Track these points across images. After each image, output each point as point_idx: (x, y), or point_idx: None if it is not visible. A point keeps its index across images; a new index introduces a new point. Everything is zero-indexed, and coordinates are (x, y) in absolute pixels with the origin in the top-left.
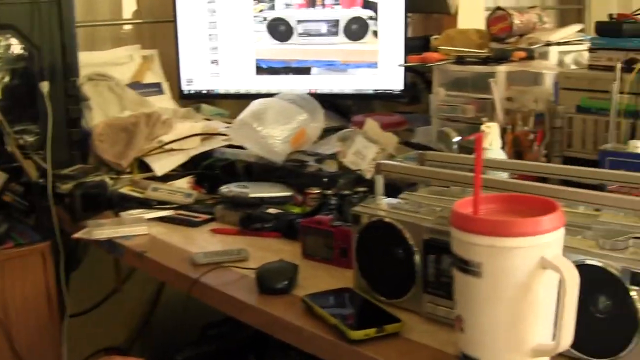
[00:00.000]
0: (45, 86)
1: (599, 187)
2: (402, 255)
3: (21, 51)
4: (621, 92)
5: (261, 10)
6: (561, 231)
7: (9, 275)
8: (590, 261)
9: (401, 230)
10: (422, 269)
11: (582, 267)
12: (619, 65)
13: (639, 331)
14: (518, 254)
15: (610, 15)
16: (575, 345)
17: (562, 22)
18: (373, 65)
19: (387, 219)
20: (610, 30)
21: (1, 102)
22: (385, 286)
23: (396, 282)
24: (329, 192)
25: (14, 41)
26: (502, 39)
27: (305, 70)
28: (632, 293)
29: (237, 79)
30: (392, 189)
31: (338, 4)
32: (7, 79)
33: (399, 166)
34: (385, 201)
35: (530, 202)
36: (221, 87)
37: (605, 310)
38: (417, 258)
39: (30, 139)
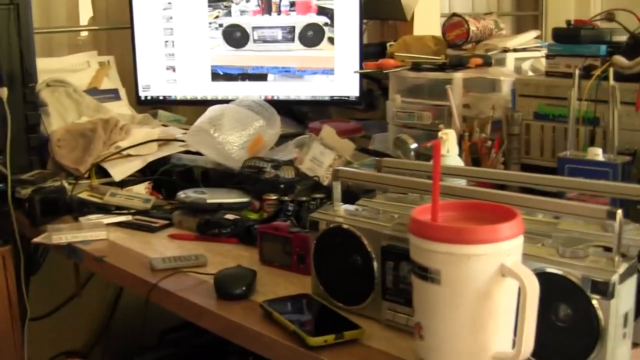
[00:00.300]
0: (3, 92)
1: (558, 195)
2: (360, 262)
3: None
4: (579, 99)
5: (217, 17)
6: (521, 239)
7: None
8: (551, 269)
9: (360, 236)
10: (380, 275)
11: (542, 275)
12: (577, 72)
13: (601, 340)
14: (477, 262)
15: (568, 22)
16: (535, 353)
17: (519, 28)
18: (329, 71)
19: (345, 226)
20: (568, 37)
21: None
22: (343, 293)
23: (355, 289)
24: (286, 198)
25: None
26: (458, 45)
27: (261, 77)
28: (594, 302)
29: (194, 85)
30: (349, 196)
31: (293, 11)
32: None
33: (357, 173)
34: (343, 207)
35: (489, 210)
36: (178, 93)
37: (566, 319)
38: (375, 265)
39: None
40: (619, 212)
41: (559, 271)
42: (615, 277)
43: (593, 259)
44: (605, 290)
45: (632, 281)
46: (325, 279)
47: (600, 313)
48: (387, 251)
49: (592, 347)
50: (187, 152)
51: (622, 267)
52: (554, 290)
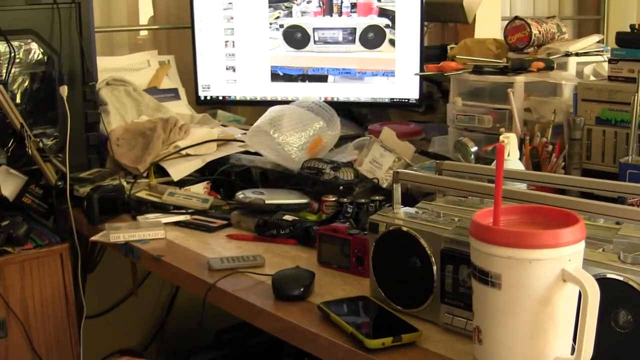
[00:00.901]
0: (64, 90)
1: (619, 201)
2: (419, 265)
3: (41, 56)
4: None
5: (277, 17)
6: (582, 244)
7: (27, 276)
8: (612, 275)
9: (419, 239)
10: (439, 279)
11: (603, 281)
12: None
13: None
14: (538, 266)
15: (632, 26)
16: (594, 359)
17: (580, 32)
18: (389, 73)
19: (405, 228)
20: (632, 41)
21: (21, 105)
22: (402, 295)
23: (413, 292)
24: (345, 200)
25: (34, 46)
26: (520, 49)
27: (321, 78)
28: None
29: (254, 85)
30: (408, 199)
31: (355, 12)
32: (27, 83)
33: (417, 175)
34: (402, 210)
35: (551, 214)
36: (238, 94)
37: (626, 325)
38: (435, 268)
39: (49, 142)
40: None
41: (620, 277)
42: None
43: None
44: None
45: None
46: (383, 281)
47: None
48: (447, 254)
49: None
50: (246, 152)
51: None
52: (615, 296)
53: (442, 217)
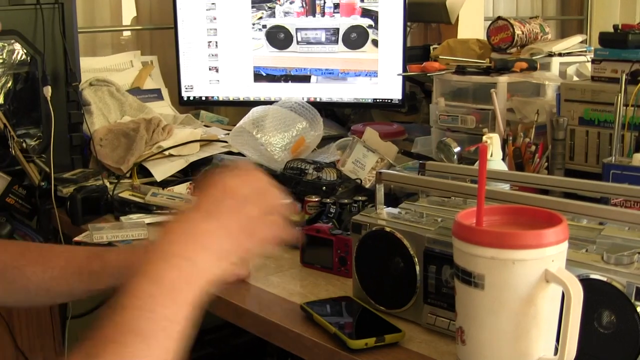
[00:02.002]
0: (47, 91)
1: (602, 201)
2: (402, 266)
3: (24, 56)
4: (625, 105)
5: (260, 18)
6: (565, 244)
7: None
8: (595, 275)
9: (402, 240)
10: (422, 279)
11: (586, 282)
12: (623, 77)
13: None
14: (521, 267)
15: (615, 26)
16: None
17: (564, 32)
18: (372, 74)
19: (388, 228)
20: (615, 41)
21: (4, 106)
22: (385, 296)
23: (396, 292)
24: (328, 200)
25: (17, 46)
26: (503, 49)
27: (304, 78)
28: (638, 309)
29: (237, 86)
30: (391, 199)
31: (337, 13)
32: (10, 83)
33: (400, 176)
34: (385, 210)
35: (534, 215)
36: (221, 94)
37: (610, 326)
38: (417, 268)
39: (32, 142)
40: None
41: (603, 277)
42: None
43: (638, 265)
44: None
45: None
46: (366, 281)
47: None
48: (430, 255)
49: (634, 354)
50: (229, 152)
51: None
52: (598, 296)
53: (425, 218)
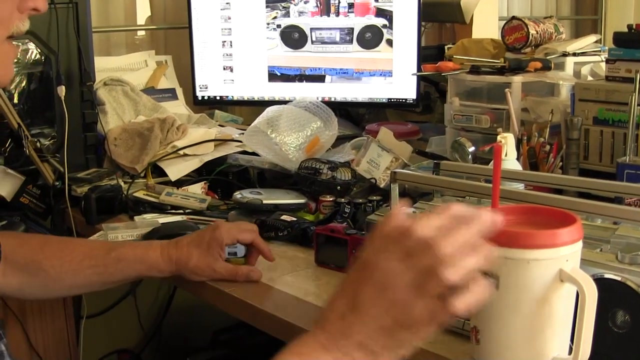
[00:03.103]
0: (61, 91)
1: (617, 200)
2: None
3: (38, 56)
4: (639, 104)
5: (275, 18)
6: (580, 244)
7: None
8: (609, 275)
9: None
10: None
11: (600, 281)
12: (638, 77)
13: None
14: (536, 267)
15: (630, 26)
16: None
17: (578, 32)
18: (387, 73)
19: None
20: (629, 41)
21: (19, 106)
22: None
23: None
24: (343, 200)
25: (31, 46)
26: (517, 49)
27: (319, 78)
28: None
29: (251, 85)
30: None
31: (352, 12)
32: (24, 83)
33: (415, 175)
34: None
35: (548, 214)
36: (235, 94)
37: (624, 325)
38: None
39: (46, 142)
40: None
41: (618, 277)
42: None
43: None
44: None
45: None
46: None
47: None
48: None
49: None
50: (244, 152)
51: None
52: (613, 296)
53: None
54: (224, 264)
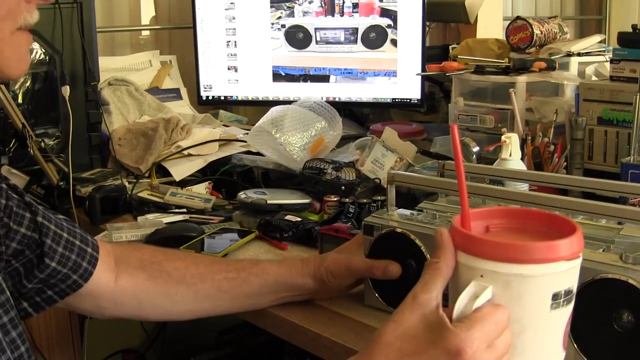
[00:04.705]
0: (66, 90)
1: (621, 200)
2: (415, 267)
3: (43, 56)
4: None
5: (279, 18)
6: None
7: None
8: (613, 275)
9: (415, 241)
10: None
11: (604, 281)
12: None
13: None
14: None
15: (634, 26)
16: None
17: (582, 32)
18: (391, 73)
19: (399, 230)
20: (634, 41)
21: (23, 106)
22: (398, 298)
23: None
24: (347, 200)
25: (35, 46)
26: (521, 49)
27: (323, 78)
28: None
29: (255, 85)
30: (410, 199)
31: (356, 12)
32: (28, 83)
33: (412, 177)
34: (397, 212)
35: (546, 220)
36: (239, 94)
37: (628, 325)
38: None
39: (51, 142)
40: None
41: (622, 277)
42: None
43: None
44: None
45: None
46: (379, 284)
47: None
48: None
49: None
50: (248, 152)
51: None
52: (616, 296)
53: (438, 219)
54: (362, 258)
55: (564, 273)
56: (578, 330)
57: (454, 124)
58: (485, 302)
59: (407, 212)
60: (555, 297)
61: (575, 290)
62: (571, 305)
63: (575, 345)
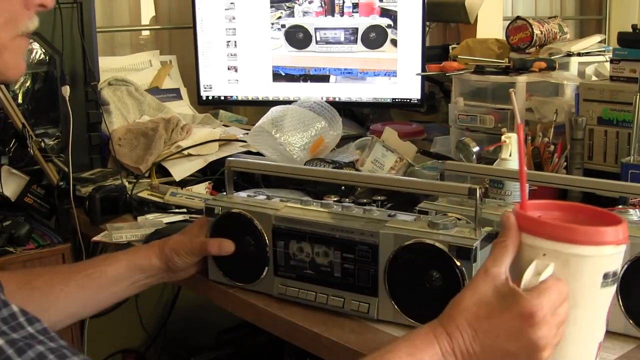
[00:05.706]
0: (66, 91)
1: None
2: (253, 243)
3: (43, 56)
4: None
5: (279, 18)
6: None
7: None
8: (425, 240)
9: (252, 219)
10: (272, 254)
11: (417, 245)
12: None
13: None
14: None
15: (634, 26)
16: (414, 315)
17: (582, 32)
18: (391, 73)
19: (237, 210)
20: (634, 41)
21: (23, 106)
22: (239, 273)
23: (249, 268)
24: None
25: (35, 46)
26: (521, 49)
27: (323, 78)
28: (458, 264)
29: (255, 85)
30: (410, 200)
31: (356, 12)
32: (29, 83)
33: (247, 162)
34: (236, 195)
35: (594, 214)
36: (239, 94)
37: (438, 282)
38: (267, 244)
39: (51, 142)
40: (478, 189)
41: (429, 241)
42: (476, 244)
43: (457, 230)
44: (468, 255)
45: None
46: (221, 261)
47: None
48: (278, 231)
49: None
50: (248, 152)
51: (482, 236)
52: (427, 258)
53: (273, 200)
54: (200, 237)
55: (613, 256)
56: (395, 289)
57: (520, 124)
58: (548, 277)
59: (244, 194)
60: (606, 276)
61: (619, 272)
62: (615, 286)
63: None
